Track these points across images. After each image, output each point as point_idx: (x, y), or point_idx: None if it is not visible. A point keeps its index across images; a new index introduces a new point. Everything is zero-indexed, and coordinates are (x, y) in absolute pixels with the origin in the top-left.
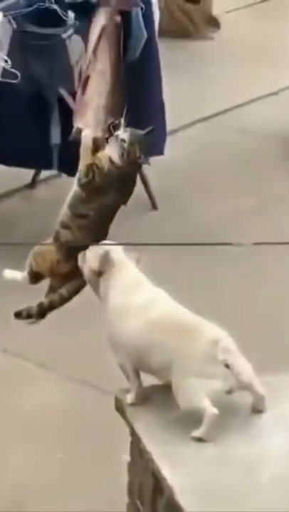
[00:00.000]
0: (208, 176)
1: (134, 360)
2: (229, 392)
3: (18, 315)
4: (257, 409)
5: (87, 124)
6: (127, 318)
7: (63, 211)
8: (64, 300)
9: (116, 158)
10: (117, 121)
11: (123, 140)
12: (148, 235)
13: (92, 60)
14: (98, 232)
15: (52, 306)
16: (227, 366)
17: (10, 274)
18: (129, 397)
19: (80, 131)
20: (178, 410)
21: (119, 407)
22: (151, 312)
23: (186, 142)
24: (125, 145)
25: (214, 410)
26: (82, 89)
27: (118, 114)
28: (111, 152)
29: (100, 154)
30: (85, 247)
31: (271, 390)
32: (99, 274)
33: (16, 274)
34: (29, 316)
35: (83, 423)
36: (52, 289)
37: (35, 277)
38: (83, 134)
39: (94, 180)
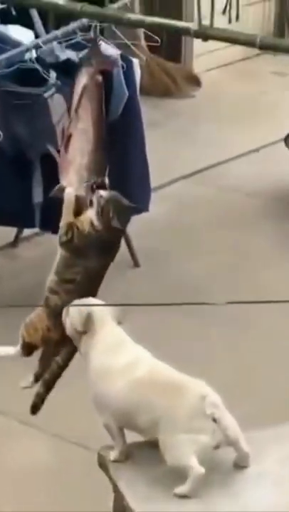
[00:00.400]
0: (189, 233)
1: (119, 420)
2: (216, 447)
3: (34, 409)
4: (240, 466)
5: (70, 183)
6: (111, 379)
7: (51, 277)
8: (61, 369)
9: (96, 222)
10: (99, 180)
11: (101, 196)
12: (130, 293)
13: (74, 118)
14: (86, 296)
15: (54, 378)
16: (215, 421)
17: (1, 350)
18: (113, 454)
19: (62, 188)
20: (161, 467)
21: (103, 464)
22: (135, 372)
23: (167, 199)
24: (102, 202)
25: (201, 469)
26: (65, 148)
27: (101, 173)
28: (92, 214)
29: (82, 217)
30: None
31: (254, 445)
32: (81, 333)
33: (8, 349)
34: (42, 399)
35: (67, 480)
36: (44, 357)
37: (28, 349)
38: (66, 192)
39: (73, 240)
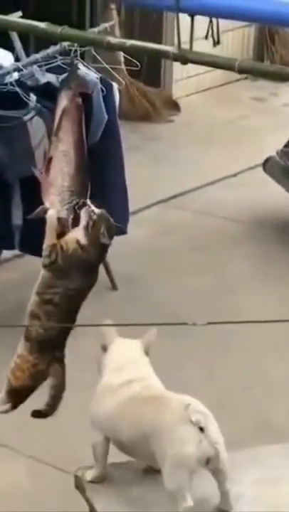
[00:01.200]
0: (167, 256)
1: (110, 437)
2: (207, 461)
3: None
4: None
5: (52, 204)
6: (106, 397)
7: (32, 299)
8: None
9: (83, 239)
10: (81, 202)
11: (93, 212)
12: (108, 316)
13: (54, 141)
14: (66, 320)
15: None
16: (202, 430)
17: None
18: (90, 474)
19: (45, 210)
20: (137, 489)
21: (79, 486)
22: (127, 391)
23: (145, 223)
24: (94, 216)
25: (191, 503)
26: (46, 170)
27: (82, 194)
28: (78, 233)
29: (66, 237)
30: (57, 341)
31: (231, 466)
32: (104, 349)
33: None
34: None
35: (44, 502)
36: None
37: (16, 395)
38: (48, 213)
39: (56, 261)
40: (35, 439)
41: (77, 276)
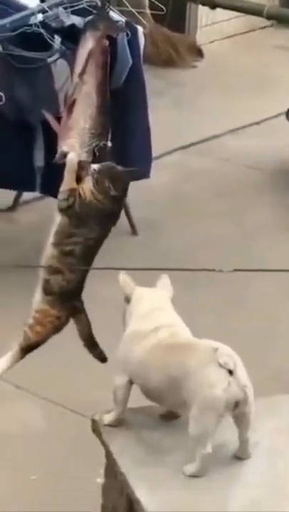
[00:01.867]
0: (188, 203)
1: (137, 383)
2: (235, 404)
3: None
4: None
5: (72, 147)
6: (133, 344)
7: (49, 252)
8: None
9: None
10: (102, 144)
11: (94, 170)
12: (128, 261)
13: (78, 83)
14: (85, 270)
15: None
16: (230, 373)
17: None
18: (108, 418)
19: (64, 154)
20: (154, 434)
21: (96, 429)
22: (155, 337)
23: (167, 169)
24: (95, 174)
25: (210, 450)
26: (68, 113)
27: (104, 137)
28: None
29: (84, 185)
30: (77, 291)
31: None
32: (127, 300)
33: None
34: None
35: (59, 445)
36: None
37: (31, 350)
38: (68, 157)
39: (74, 207)
40: (50, 382)
41: (95, 226)
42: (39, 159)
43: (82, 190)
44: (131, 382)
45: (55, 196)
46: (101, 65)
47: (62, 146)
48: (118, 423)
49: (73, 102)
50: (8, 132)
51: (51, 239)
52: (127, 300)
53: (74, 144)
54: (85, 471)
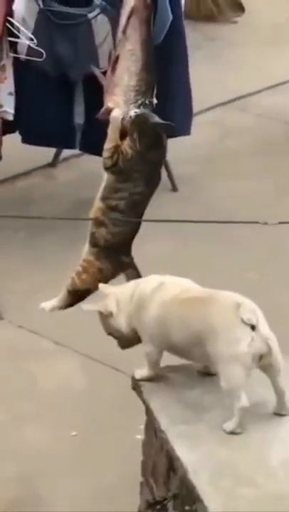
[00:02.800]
0: (227, 160)
1: (160, 345)
2: (259, 357)
3: None
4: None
5: (117, 105)
6: (144, 306)
7: (96, 206)
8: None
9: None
10: (147, 101)
11: (130, 117)
12: (168, 216)
13: (122, 39)
14: (132, 225)
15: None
16: (253, 328)
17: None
18: (139, 373)
19: (109, 111)
20: (194, 391)
21: (136, 387)
22: (165, 294)
23: (206, 126)
24: (128, 124)
25: (247, 403)
26: (112, 69)
27: (148, 93)
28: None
29: (126, 142)
30: (123, 247)
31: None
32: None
33: (50, 304)
34: None
35: (99, 402)
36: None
37: (76, 297)
38: (112, 114)
39: (117, 164)
40: (90, 339)
41: (140, 181)
42: (79, 116)
43: (124, 147)
44: (159, 347)
45: (94, 154)
46: (144, 21)
47: (108, 102)
48: (149, 379)
49: (116, 58)
50: (48, 89)
51: (99, 193)
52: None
53: (118, 101)
54: (125, 428)
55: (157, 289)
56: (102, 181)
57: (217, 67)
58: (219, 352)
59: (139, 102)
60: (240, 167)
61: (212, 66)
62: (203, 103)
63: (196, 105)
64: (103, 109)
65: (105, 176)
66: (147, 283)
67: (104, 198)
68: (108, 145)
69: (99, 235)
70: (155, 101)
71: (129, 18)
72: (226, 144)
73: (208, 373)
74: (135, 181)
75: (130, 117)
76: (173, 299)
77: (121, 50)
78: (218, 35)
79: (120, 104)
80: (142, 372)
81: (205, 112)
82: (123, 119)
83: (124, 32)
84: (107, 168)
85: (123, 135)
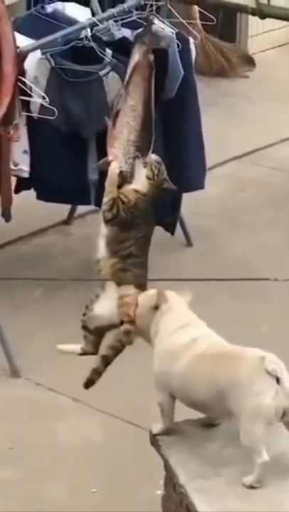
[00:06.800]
0: (242, 213)
1: (182, 398)
2: (283, 413)
3: (89, 383)
4: None
5: (116, 158)
6: (174, 357)
7: (108, 264)
8: (122, 347)
9: (142, 187)
10: (145, 157)
11: (156, 160)
12: (184, 271)
13: (123, 95)
14: (146, 261)
15: (115, 355)
16: (278, 381)
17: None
18: (156, 428)
19: (108, 163)
20: (212, 445)
21: (154, 442)
22: (195, 349)
23: (220, 179)
24: (157, 164)
25: (267, 458)
26: (113, 123)
27: (146, 151)
28: (136, 182)
29: (124, 190)
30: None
31: None
32: (155, 308)
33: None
34: (98, 375)
35: (118, 457)
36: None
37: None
38: (111, 166)
39: (119, 214)
40: (109, 395)
41: (142, 224)
42: (93, 172)
43: (124, 195)
44: (173, 396)
45: None
46: (146, 79)
47: (108, 155)
48: (166, 433)
49: (117, 113)
50: (62, 146)
51: (103, 252)
52: (156, 308)
53: (118, 154)
54: (145, 483)
55: (190, 345)
56: (100, 239)
57: (231, 121)
58: (243, 406)
59: (137, 157)
60: (255, 220)
61: (226, 121)
62: (218, 157)
63: (211, 159)
64: (102, 160)
65: (104, 232)
66: (190, 330)
67: (114, 252)
68: (106, 198)
69: (125, 281)
70: (154, 157)
71: (131, 74)
72: (241, 196)
73: (209, 424)
74: (138, 227)
75: (154, 160)
76: (202, 355)
77: (122, 104)
78: (231, 90)
79: (119, 157)
80: (158, 426)
81: (220, 166)
82: (121, 172)
83: (126, 87)
84: (108, 221)
85: (121, 187)
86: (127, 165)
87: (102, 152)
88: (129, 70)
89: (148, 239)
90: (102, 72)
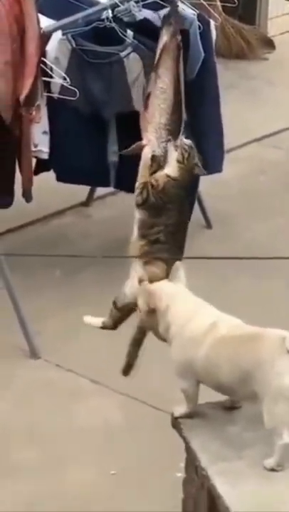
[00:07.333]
0: (261, 196)
1: (208, 383)
2: None
3: (128, 369)
4: None
5: (149, 141)
6: (196, 345)
7: (137, 244)
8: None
9: (173, 172)
10: (176, 141)
11: (186, 144)
12: (202, 254)
13: (153, 77)
14: (177, 249)
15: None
16: None
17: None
18: (179, 411)
19: (141, 146)
20: (234, 428)
21: (176, 425)
22: (216, 333)
23: (239, 162)
24: (188, 148)
25: (287, 441)
26: (145, 106)
27: (177, 134)
28: (168, 166)
29: (156, 174)
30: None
31: None
32: (152, 311)
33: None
34: (134, 359)
35: (138, 440)
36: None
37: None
38: (144, 151)
39: (148, 198)
40: (128, 377)
41: (173, 211)
42: (112, 154)
43: (154, 179)
44: (197, 382)
45: (128, 191)
46: (175, 60)
47: (143, 139)
48: (189, 416)
49: (148, 96)
50: (82, 127)
51: (135, 233)
52: (154, 311)
53: (151, 138)
54: (165, 466)
55: (211, 328)
56: (134, 222)
57: (250, 103)
58: (266, 387)
59: (168, 140)
60: (274, 202)
61: (245, 103)
62: (237, 139)
63: (231, 141)
64: (135, 144)
65: (137, 215)
66: (204, 315)
67: (143, 236)
68: (138, 182)
69: (152, 265)
70: (186, 140)
71: (160, 56)
72: (260, 179)
73: (231, 407)
74: (168, 213)
75: (185, 144)
76: (224, 338)
77: (152, 87)
78: (250, 72)
79: (153, 141)
80: (181, 409)
81: (238, 149)
82: (154, 156)
83: (155, 70)
84: (138, 205)
85: (153, 172)
86: (160, 149)
87: (123, 134)
88: (157, 52)
89: (180, 228)
90: (123, 54)
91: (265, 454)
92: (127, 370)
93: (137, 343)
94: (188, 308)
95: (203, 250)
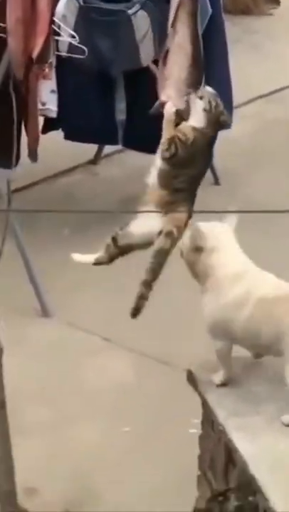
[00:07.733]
0: (269, 152)
1: (244, 343)
2: None
3: (136, 311)
4: None
5: (169, 97)
6: (237, 307)
7: (156, 194)
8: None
9: (199, 122)
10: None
11: (211, 93)
12: (212, 208)
13: (171, 33)
14: (192, 200)
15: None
16: None
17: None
18: (218, 378)
19: (162, 104)
20: (251, 384)
21: (192, 380)
22: (258, 293)
23: (246, 118)
24: (213, 97)
25: None
26: (163, 63)
27: (197, 86)
28: (192, 117)
29: (181, 127)
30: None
31: None
32: (197, 250)
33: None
34: (144, 301)
35: (150, 397)
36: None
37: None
38: (166, 107)
39: (177, 153)
40: (140, 334)
41: (199, 162)
42: (121, 112)
43: (182, 133)
44: (231, 341)
45: (137, 149)
46: (191, 14)
47: (161, 96)
48: (228, 381)
49: (167, 52)
50: (90, 86)
51: (155, 180)
52: (198, 250)
53: (170, 94)
54: (178, 422)
55: (254, 286)
56: (153, 168)
57: (255, 59)
58: None
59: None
60: (282, 160)
61: (251, 58)
62: (243, 96)
63: (236, 98)
64: (156, 103)
65: (158, 164)
66: (248, 274)
67: (165, 186)
68: (164, 137)
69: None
70: (210, 89)
71: (176, 11)
72: (266, 136)
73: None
74: (195, 164)
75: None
76: (266, 299)
77: (170, 43)
78: (256, 28)
79: (172, 96)
80: (219, 376)
81: (245, 105)
82: (176, 110)
83: (172, 25)
84: (165, 159)
85: (177, 126)
86: (181, 103)
87: (130, 92)
88: (173, 7)
89: (200, 178)
90: (130, 11)
91: (282, 409)
92: (135, 312)
93: (149, 285)
94: (231, 265)
95: (211, 206)
